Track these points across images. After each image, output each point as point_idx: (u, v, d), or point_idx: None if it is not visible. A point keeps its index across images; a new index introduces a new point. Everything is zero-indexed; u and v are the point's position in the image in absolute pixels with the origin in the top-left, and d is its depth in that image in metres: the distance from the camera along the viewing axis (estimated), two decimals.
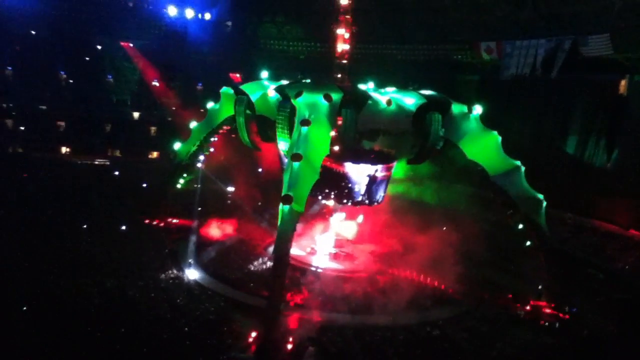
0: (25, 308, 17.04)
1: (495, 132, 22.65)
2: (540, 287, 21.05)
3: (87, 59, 41.03)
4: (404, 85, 24.29)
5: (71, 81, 40.93)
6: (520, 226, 22.15)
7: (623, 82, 30.20)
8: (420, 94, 22.95)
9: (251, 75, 27.57)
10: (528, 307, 20.34)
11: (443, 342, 17.87)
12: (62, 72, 40.82)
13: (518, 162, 22.27)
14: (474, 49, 34.06)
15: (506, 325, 19.25)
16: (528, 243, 21.88)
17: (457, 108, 22.83)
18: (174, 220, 26.80)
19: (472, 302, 20.73)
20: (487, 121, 23.18)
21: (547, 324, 19.47)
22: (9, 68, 39.75)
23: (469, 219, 25.56)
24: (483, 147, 22.81)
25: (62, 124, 40.02)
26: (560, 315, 19.69)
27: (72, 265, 20.81)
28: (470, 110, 22.94)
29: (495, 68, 33.08)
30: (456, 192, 27.09)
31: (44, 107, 39.93)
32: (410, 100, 22.75)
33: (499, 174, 22.47)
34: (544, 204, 21.89)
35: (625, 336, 18.32)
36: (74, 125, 39.81)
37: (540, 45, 31.65)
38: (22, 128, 39.18)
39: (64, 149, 39.61)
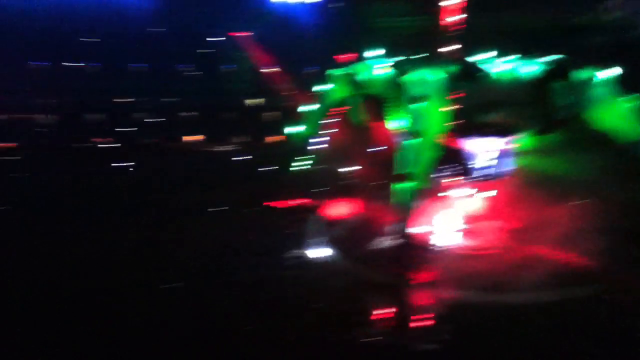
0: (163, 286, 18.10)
1: (630, 97, 21.01)
2: None
3: (204, 51, 43.41)
4: (524, 53, 23.19)
5: (192, 74, 43.52)
6: None
7: None
8: (542, 61, 21.83)
9: (360, 55, 27.60)
10: None
11: (582, 320, 17.04)
12: (183, 66, 43.51)
13: None
14: (598, 8, 31.74)
15: None
16: None
17: (584, 73, 21.42)
18: (295, 202, 27.83)
19: (612, 279, 19.54)
20: (619, 86, 21.57)
21: None
22: (146, 65, 42.98)
23: (605, 190, 23.98)
24: (614, 114, 21.27)
25: (189, 114, 42.82)
26: None
27: (195, 251, 21.93)
28: (599, 75, 21.46)
29: (624, 27, 30.54)
30: (588, 161, 25.47)
31: (173, 100, 42.92)
32: (532, 68, 21.69)
33: (634, 142, 20.92)
34: None
35: None
36: (199, 116, 42.50)
37: None
38: (154, 120, 42.43)
39: (191, 138, 42.39)
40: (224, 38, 42.87)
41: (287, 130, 28.83)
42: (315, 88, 27.66)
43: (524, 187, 24.44)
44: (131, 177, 32.53)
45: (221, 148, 40.65)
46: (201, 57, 42.92)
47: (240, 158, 37.12)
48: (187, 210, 26.93)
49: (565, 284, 19.09)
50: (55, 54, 40.22)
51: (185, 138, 41.79)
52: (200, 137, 41.77)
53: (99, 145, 39.94)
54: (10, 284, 18.40)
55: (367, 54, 25.54)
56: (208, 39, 42.95)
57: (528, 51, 24.01)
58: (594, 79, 21.40)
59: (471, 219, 25.08)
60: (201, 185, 30.66)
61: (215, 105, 42.44)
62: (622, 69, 21.65)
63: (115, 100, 41.76)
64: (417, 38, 38.47)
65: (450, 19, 25.89)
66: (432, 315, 16.91)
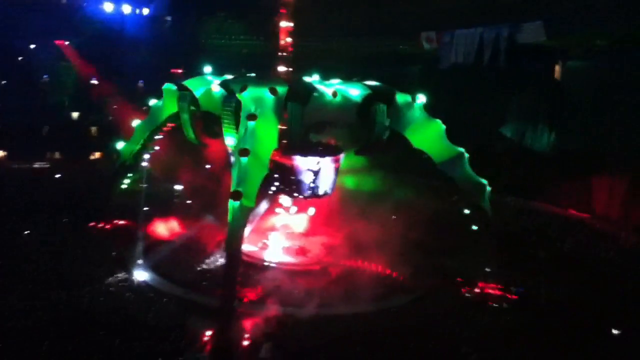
0: None
1: (439, 121, 23.19)
2: (487, 269, 21.71)
3: (20, 59, 39.25)
4: (348, 78, 24.50)
5: (4, 82, 39.06)
6: (466, 211, 22.90)
7: (557, 68, 31.66)
8: (365, 85, 23.20)
9: (194, 71, 27.02)
10: (477, 290, 20.94)
11: (401, 328, 18.19)
12: None
13: (462, 149, 22.90)
14: (415, 40, 34.85)
15: (459, 308, 19.84)
16: (474, 228, 22.61)
17: (401, 98, 23.19)
18: (121, 223, 26.15)
19: (424, 288, 21.20)
20: (430, 111, 23.70)
21: (495, 305, 20.07)
22: None
23: (417, 207, 26.18)
24: (428, 135, 23.31)
25: None
26: (508, 295, 20.41)
27: (13, 277, 19.97)
28: (414, 100, 23.39)
29: (436, 58, 33.92)
30: (404, 181, 27.60)
31: None
32: (355, 92, 22.92)
33: (444, 161, 23.07)
34: (488, 189, 22.69)
35: (570, 309, 19.18)
36: (9, 129, 37.97)
37: (478, 34, 32.62)
38: None
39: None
40: (47, 46, 39.45)
41: (114, 146, 26.93)
42: (147, 102, 26.37)
43: (346, 205, 25.83)
44: None
45: (36, 165, 36.90)
46: (15, 65, 38.75)
47: (58, 176, 34.20)
48: None
49: (382, 295, 20.48)
50: None
51: None
52: (7, 152, 37.34)
53: None
54: None
55: (203, 70, 24.93)
56: (26, 46, 39.06)
57: (354, 75, 25.45)
58: (409, 103, 23.25)
59: (298, 236, 25.86)
60: (8, 206, 27.51)
61: (30, 118, 38.32)
62: (432, 95, 23.93)
63: None
64: (252, 58, 39.09)
65: (285, 42, 26.36)
66: (255, 334, 16.96)
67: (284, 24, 26.15)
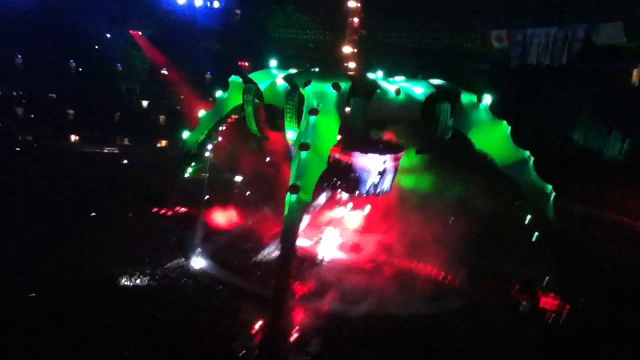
0: (30, 305, 16.97)
1: (505, 122, 22.37)
2: (547, 278, 20.89)
3: (97, 47, 41.07)
4: (413, 75, 24.13)
5: (80, 69, 40.96)
6: (529, 217, 22.06)
7: (635, 72, 29.87)
8: (429, 83, 22.77)
9: (260, 64, 27.36)
10: (534, 299, 20.19)
11: (451, 332, 17.91)
12: (72, 61, 40.87)
13: (527, 153, 21.98)
14: (485, 38, 33.81)
15: (515, 316, 19.27)
16: (536, 234, 21.77)
17: (466, 98, 22.55)
18: (182, 209, 26.98)
19: (478, 293, 20.70)
20: (497, 110, 22.95)
21: (553, 315, 19.34)
22: (19, 56, 39.88)
23: (477, 209, 25.50)
24: (492, 137, 22.54)
25: (72, 112, 39.96)
26: (567, 307, 19.58)
27: (77, 257, 20.81)
28: (479, 100, 22.71)
29: (505, 57, 32.78)
30: (465, 182, 26.90)
31: (53, 96, 39.98)
32: (419, 90, 22.53)
33: (508, 165, 22.23)
34: (553, 195, 21.75)
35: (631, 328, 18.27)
36: (84, 114, 39.80)
37: (552, 34, 31.28)
38: (32, 116, 39.26)
39: (73, 137, 39.53)
40: (122, 35, 41.11)
41: (180, 134, 27.81)
42: (213, 93, 27.03)
43: (404, 203, 25.48)
44: None
45: (106, 149, 38.57)
46: (92, 53, 40.59)
47: (127, 161, 35.70)
48: (59, 215, 25.17)
49: (437, 297, 20.10)
50: None
51: (68, 137, 39.02)
52: (81, 137, 39.08)
53: None
54: None
55: (268, 63, 25.30)
56: (102, 34, 40.80)
57: (418, 73, 25.06)
58: (474, 103, 22.60)
59: (354, 233, 25.77)
60: (79, 189, 28.91)
61: (103, 104, 40.01)
62: (500, 94, 23.15)
63: None
64: (316, 52, 39.19)
65: (349, 37, 26.35)
66: (306, 328, 17.11)
67: (351, 19, 26.13)
